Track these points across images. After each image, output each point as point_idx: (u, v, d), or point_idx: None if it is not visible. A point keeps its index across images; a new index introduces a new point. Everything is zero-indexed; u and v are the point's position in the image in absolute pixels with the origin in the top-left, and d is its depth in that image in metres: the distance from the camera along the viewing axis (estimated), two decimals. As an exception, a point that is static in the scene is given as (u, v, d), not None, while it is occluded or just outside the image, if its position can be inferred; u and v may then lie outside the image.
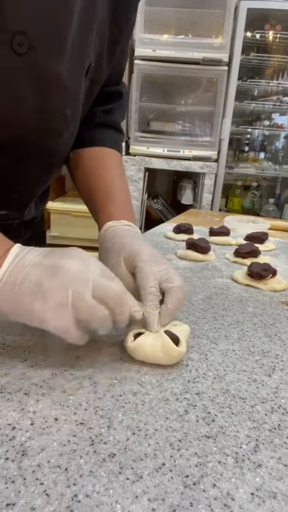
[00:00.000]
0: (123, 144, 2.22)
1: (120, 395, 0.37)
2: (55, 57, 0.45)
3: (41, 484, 0.27)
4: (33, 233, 0.41)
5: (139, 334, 0.43)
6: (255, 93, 2.45)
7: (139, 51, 2.06)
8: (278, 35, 2.16)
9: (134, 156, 2.22)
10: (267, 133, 2.59)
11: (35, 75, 0.44)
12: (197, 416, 0.35)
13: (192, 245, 0.85)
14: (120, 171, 0.64)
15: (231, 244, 0.98)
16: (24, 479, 0.28)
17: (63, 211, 2.19)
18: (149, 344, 0.42)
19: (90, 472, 0.28)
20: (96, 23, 0.50)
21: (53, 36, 0.44)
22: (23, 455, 0.30)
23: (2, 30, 0.40)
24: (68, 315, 0.37)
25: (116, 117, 0.68)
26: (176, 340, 0.42)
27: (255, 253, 0.83)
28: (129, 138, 2.24)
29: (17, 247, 0.40)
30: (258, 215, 2.20)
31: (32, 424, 0.33)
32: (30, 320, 0.38)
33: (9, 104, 0.45)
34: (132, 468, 0.29)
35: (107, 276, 0.40)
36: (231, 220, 1.19)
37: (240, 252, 0.84)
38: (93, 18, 0.49)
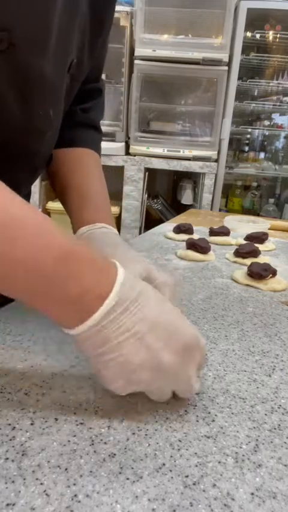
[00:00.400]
0: (123, 144, 2.23)
1: (120, 396, 0.37)
2: (38, 55, 0.43)
3: (41, 484, 0.27)
4: None
5: None
6: (255, 93, 2.45)
7: (139, 51, 2.06)
8: (278, 35, 2.16)
9: (134, 156, 2.22)
10: (267, 133, 2.59)
11: (16, 73, 0.42)
12: (197, 416, 0.35)
13: (192, 245, 0.85)
14: (99, 172, 0.63)
15: (231, 244, 0.98)
16: (24, 479, 0.28)
17: (63, 211, 2.18)
18: None
19: (90, 472, 0.28)
20: (78, 18, 0.49)
21: (36, 33, 0.42)
22: (23, 455, 0.30)
23: None
24: (168, 392, 0.35)
25: (95, 115, 0.66)
26: None
27: (255, 253, 0.83)
28: (129, 138, 2.24)
29: (123, 277, 0.33)
30: (258, 215, 2.20)
31: (32, 424, 0.33)
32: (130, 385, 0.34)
33: None
34: (132, 468, 0.29)
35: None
36: (231, 220, 1.19)
37: (240, 252, 0.84)
38: (75, 13, 0.48)
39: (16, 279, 0.30)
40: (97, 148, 0.65)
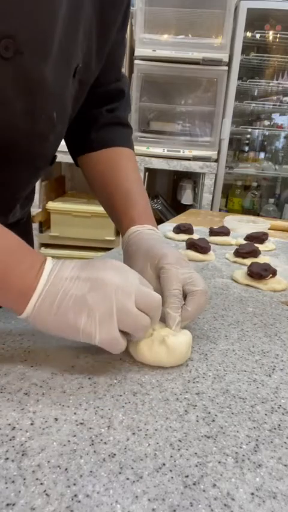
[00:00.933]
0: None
1: (120, 395, 0.37)
2: (41, 60, 0.44)
3: (41, 484, 0.27)
4: (19, 235, 0.40)
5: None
6: (255, 93, 2.45)
7: (139, 51, 2.06)
8: (278, 35, 2.16)
9: (134, 156, 2.21)
10: (267, 133, 2.59)
11: (21, 79, 0.43)
12: (197, 416, 0.35)
13: (192, 245, 0.85)
14: (136, 172, 0.64)
15: (231, 244, 0.98)
16: (24, 479, 0.28)
17: (63, 211, 2.19)
18: (153, 346, 0.42)
19: (90, 472, 0.28)
20: (82, 23, 0.49)
21: (39, 39, 0.43)
22: (23, 455, 0.30)
23: None
24: (115, 327, 0.37)
25: (121, 113, 0.67)
26: (180, 344, 0.42)
27: (255, 253, 0.83)
28: (129, 138, 2.24)
29: (50, 261, 0.39)
30: (258, 215, 2.20)
31: (32, 424, 0.33)
32: (75, 335, 0.38)
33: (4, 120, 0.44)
34: (132, 468, 0.29)
35: (144, 284, 0.41)
36: (231, 220, 1.19)
37: (240, 252, 0.84)
38: (78, 18, 0.48)
39: None
40: (129, 144, 0.67)
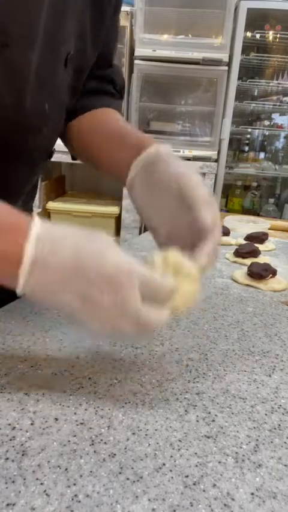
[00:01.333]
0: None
1: (120, 395, 0.37)
2: (28, 51, 0.42)
3: (41, 484, 0.27)
4: None
5: None
6: (255, 93, 2.45)
7: (139, 51, 2.06)
8: (278, 35, 2.16)
9: (134, 156, 2.21)
10: (267, 133, 2.59)
11: (8, 71, 0.42)
12: (197, 416, 0.35)
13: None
14: (125, 122, 0.57)
15: (231, 244, 0.98)
16: (24, 479, 0.28)
17: (63, 211, 2.19)
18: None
19: (90, 472, 0.28)
20: (71, 9, 0.48)
21: (25, 30, 0.41)
22: (23, 455, 0.30)
23: None
24: (109, 319, 0.32)
25: (110, 87, 0.62)
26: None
27: (255, 253, 0.83)
28: (129, 138, 2.24)
29: (39, 222, 0.33)
30: (258, 215, 2.20)
31: (32, 424, 0.33)
32: (65, 313, 0.33)
33: None
34: (132, 468, 0.29)
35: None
36: (231, 220, 1.19)
37: (240, 252, 0.84)
38: (66, 5, 0.47)
39: None
40: (116, 106, 0.61)
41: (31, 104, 0.46)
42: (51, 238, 0.32)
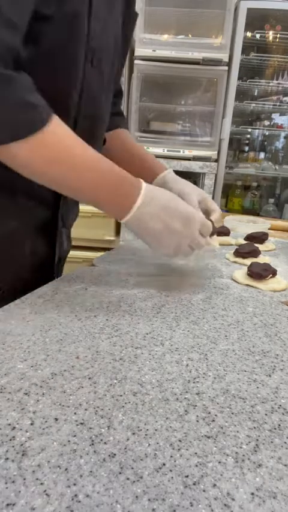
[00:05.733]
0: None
1: (120, 395, 0.37)
2: (108, 62, 0.62)
3: (41, 484, 0.27)
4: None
5: None
6: (255, 93, 2.45)
7: (139, 51, 2.05)
8: (278, 35, 2.16)
9: (134, 156, 2.21)
10: (267, 133, 2.59)
11: (101, 79, 0.61)
12: (197, 416, 0.35)
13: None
14: (135, 142, 0.84)
15: (231, 244, 0.98)
16: (24, 479, 0.28)
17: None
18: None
19: (90, 472, 0.28)
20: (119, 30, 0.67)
21: (109, 48, 0.62)
22: (23, 455, 0.30)
23: (88, 50, 0.56)
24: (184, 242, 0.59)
25: (119, 107, 0.85)
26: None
27: (255, 253, 0.83)
28: (129, 138, 2.23)
29: (145, 183, 0.56)
30: (258, 215, 2.20)
31: (32, 424, 0.33)
32: (149, 237, 0.58)
33: (93, 109, 0.62)
34: (132, 468, 0.29)
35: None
36: (231, 220, 1.19)
37: (240, 252, 0.84)
38: (119, 26, 0.67)
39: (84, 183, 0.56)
40: (124, 125, 0.84)
41: (104, 101, 0.66)
42: (153, 192, 0.56)
